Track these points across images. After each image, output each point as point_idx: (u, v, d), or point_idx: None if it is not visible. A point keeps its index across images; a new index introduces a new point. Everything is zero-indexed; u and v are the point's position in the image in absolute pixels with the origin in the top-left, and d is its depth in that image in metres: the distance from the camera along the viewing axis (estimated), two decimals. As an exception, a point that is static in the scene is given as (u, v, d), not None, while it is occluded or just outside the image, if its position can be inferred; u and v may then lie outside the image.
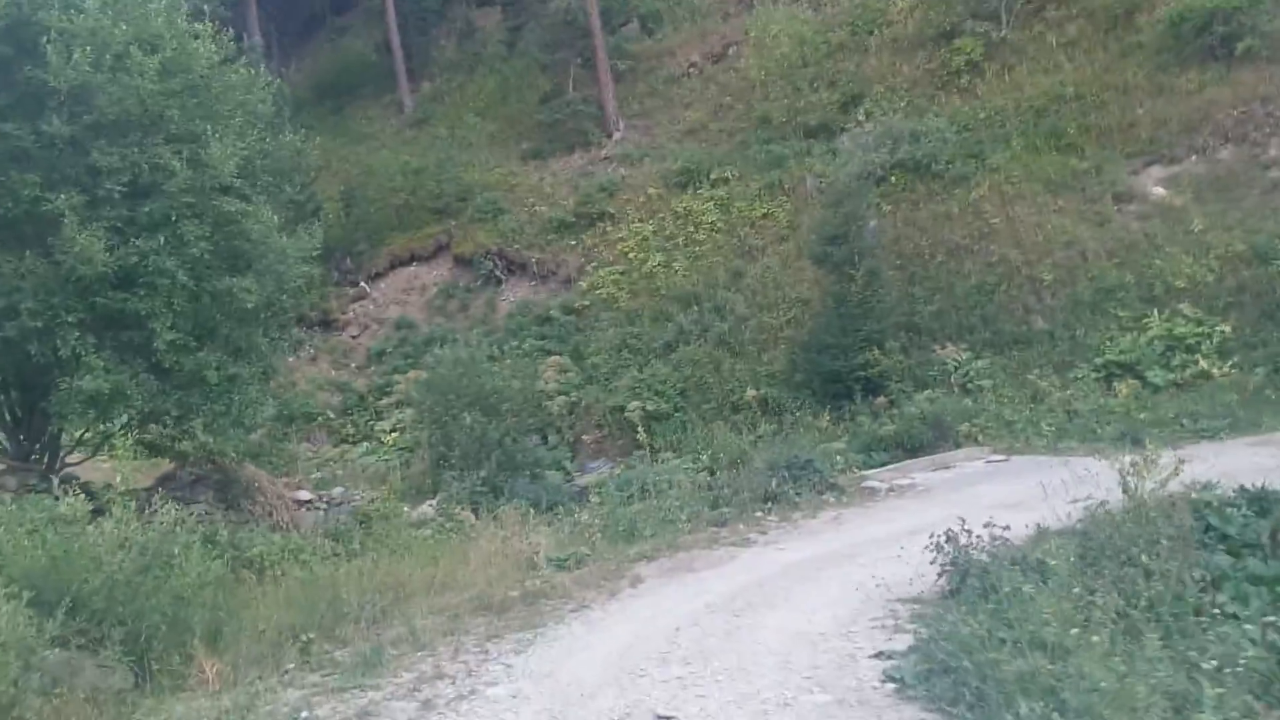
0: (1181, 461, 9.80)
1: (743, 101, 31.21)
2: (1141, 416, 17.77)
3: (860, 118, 25.65)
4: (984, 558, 8.93)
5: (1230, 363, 18.88)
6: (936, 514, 13.54)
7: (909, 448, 18.72)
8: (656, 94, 34.26)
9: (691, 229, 27.33)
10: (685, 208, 27.89)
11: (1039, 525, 10.31)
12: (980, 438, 18.07)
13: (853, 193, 22.43)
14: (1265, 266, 19.81)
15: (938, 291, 22.75)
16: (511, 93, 37.29)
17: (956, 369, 20.89)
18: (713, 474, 17.79)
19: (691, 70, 34.49)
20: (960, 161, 24.46)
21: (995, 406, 18.99)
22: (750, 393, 22.82)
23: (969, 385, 20.54)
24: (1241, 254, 20.24)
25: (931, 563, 9.18)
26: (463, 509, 16.15)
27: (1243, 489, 9.71)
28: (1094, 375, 19.75)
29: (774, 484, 14.99)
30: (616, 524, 14.37)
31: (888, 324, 22.07)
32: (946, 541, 9.08)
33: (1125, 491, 10.53)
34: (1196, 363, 19.01)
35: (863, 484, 15.68)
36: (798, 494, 14.85)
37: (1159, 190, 22.44)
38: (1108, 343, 20.16)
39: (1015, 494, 14.25)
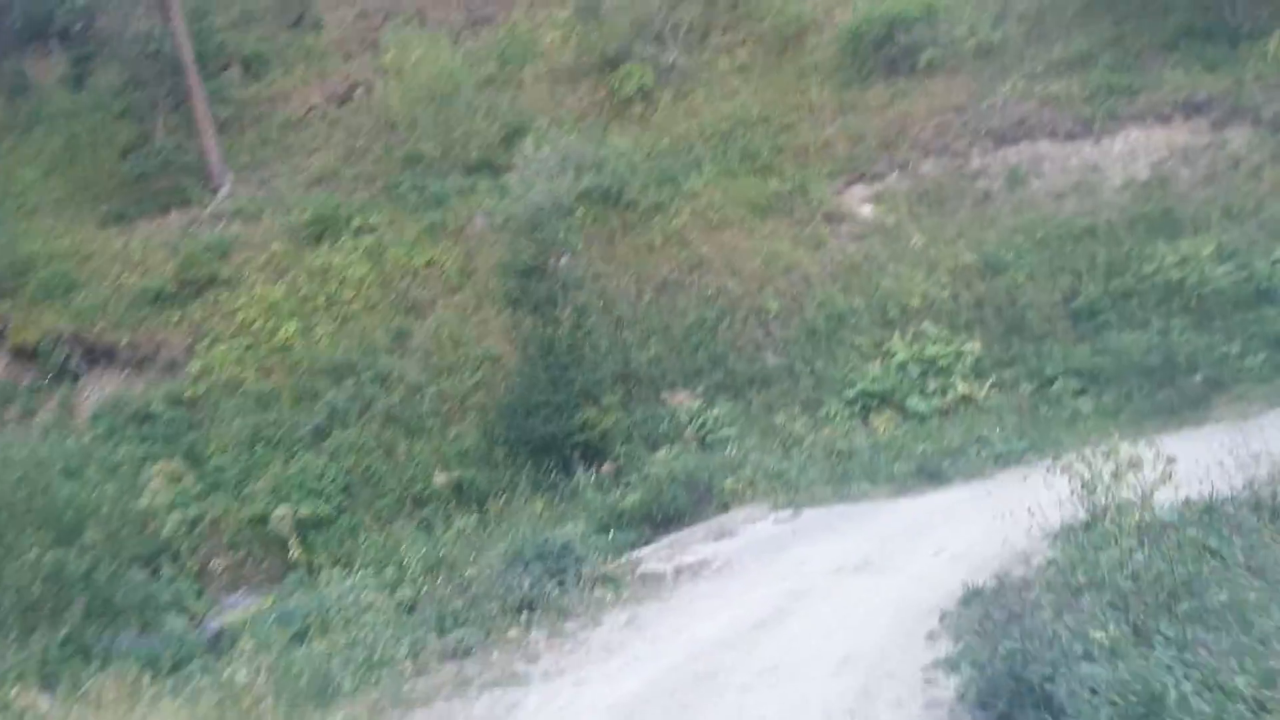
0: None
1: (381, 141, 26.92)
2: (921, 449, 15.34)
3: (528, 150, 22.34)
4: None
5: (989, 383, 17.12)
6: (764, 596, 9.90)
7: (662, 519, 15.08)
8: (271, 142, 29.09)
9: (335, 287, 22.45)
10: (324, 263, 22.97)
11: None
12: (750, 494, 14.78)
13: (546, 219, 18.87)
14: (998, 278, 18.49)
15: (653, 334, 19.61)
16: (83, 148, 30.39)
17: (691, 420, 17.65)
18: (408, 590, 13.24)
19: (312, 114, 29.73)
20: (654, 188, 21.73)
21: (757, 457, 15.85)
22: (439, 478, 18.27)
23: (709, 437, 17.34)
24: (972, 267, 18.86)
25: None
26: (24, 691, 10.21)
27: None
28: (847, 410, 17.28)
29: (526, 585, 10.65)
30: (295, 678, 9.44)
31: (603, 374, 18.53)
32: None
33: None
34: (954, 386, 17.08)
35: (638, 570, 11.74)
36: (562, 594, 10.64)
37: (868, 209, 20.90)
38: (853, 373, 17.85)
39: (844, 553, 10.95)
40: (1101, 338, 17.04)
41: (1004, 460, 14.40)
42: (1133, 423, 15.34)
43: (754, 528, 13.25)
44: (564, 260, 19.48)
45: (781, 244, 20.15)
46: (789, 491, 14.57)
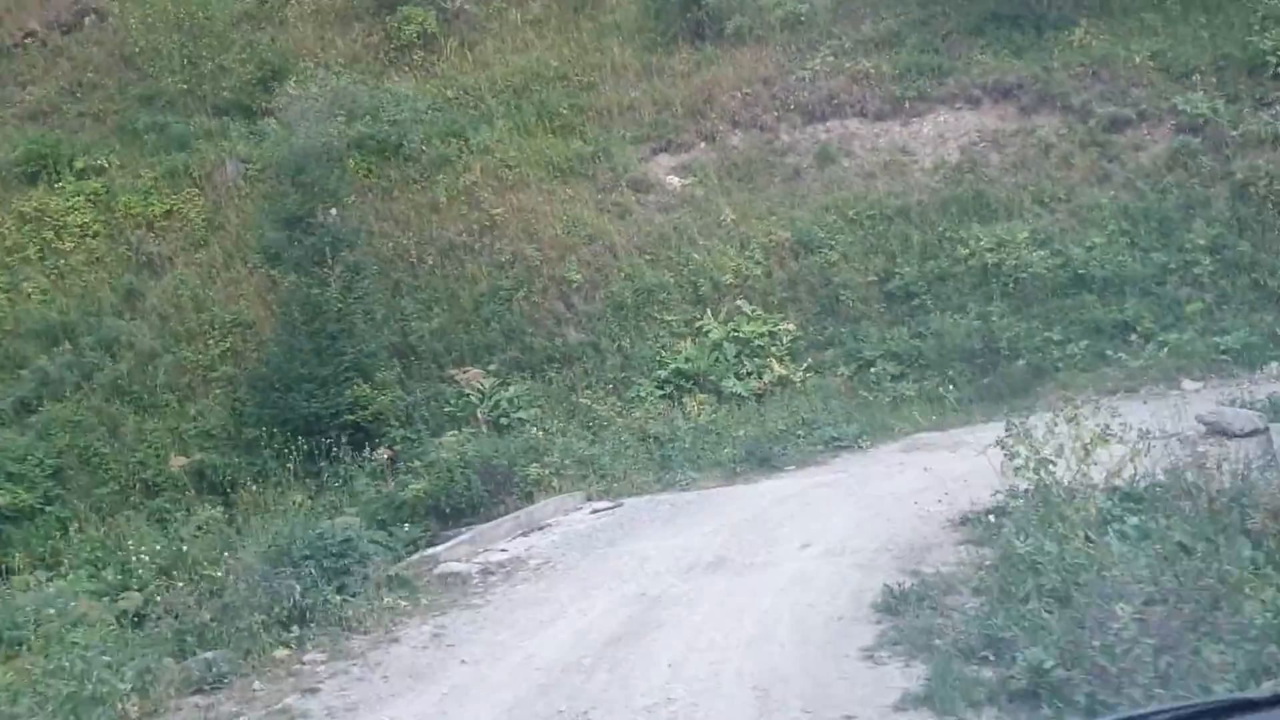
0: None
1: (114, 76, 23.23)
2: (741, 433, 14.03)
3: (290, 91, 19.63)
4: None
5: (805, 365, 16.07)
6: (609, 603, 8.13)
7: (453, 511, 13.10)
8: (-28, 70, 24.70)
9: (51, 236, 18.88)
10: (38, 207, 19.30)
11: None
12: (558, 483, 12.97)
13: (312, 167, 16.34)
14: (812, 256, 17.52)
15: (436, 303, 17.41)
16: None
17: (484, 400, 15.65)
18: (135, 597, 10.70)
19: (29, 41, 25.47)
20: (439, 141, 19.51)
21: (562, 441, 14.05)
22: (176, 462, 15.37)
23: (504, 420, 15.41)
24: (785, 244, 17.80)
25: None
26: None
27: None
28: (659, 392, 15.78)
29: (297, 591, 8.41)
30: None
31: (378, 346, 16.19)
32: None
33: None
34: (770, 367, 15.91)
35: (436, 569, 9.69)
36: (345, 602, 8.49)
37: (674, 179, 19.53)
38: (664, 352, 16.38)
39: (689, 549, 9.36)
40: (919, 320, 16.34)
41: (836, 445, 13.29)
42: (958, 408, 14.71)
43: (569, 520, 11.47)
44: (333, 214, 17.01)
45: (584, 210, 18.44)
46: (604, 479, 12.90)
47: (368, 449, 14.96)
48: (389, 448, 15.04)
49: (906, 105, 19.69)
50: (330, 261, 15.97)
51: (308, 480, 14.95)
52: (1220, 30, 18.55)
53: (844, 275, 17.22)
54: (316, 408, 15.25)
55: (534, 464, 13.37)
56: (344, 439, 15.06)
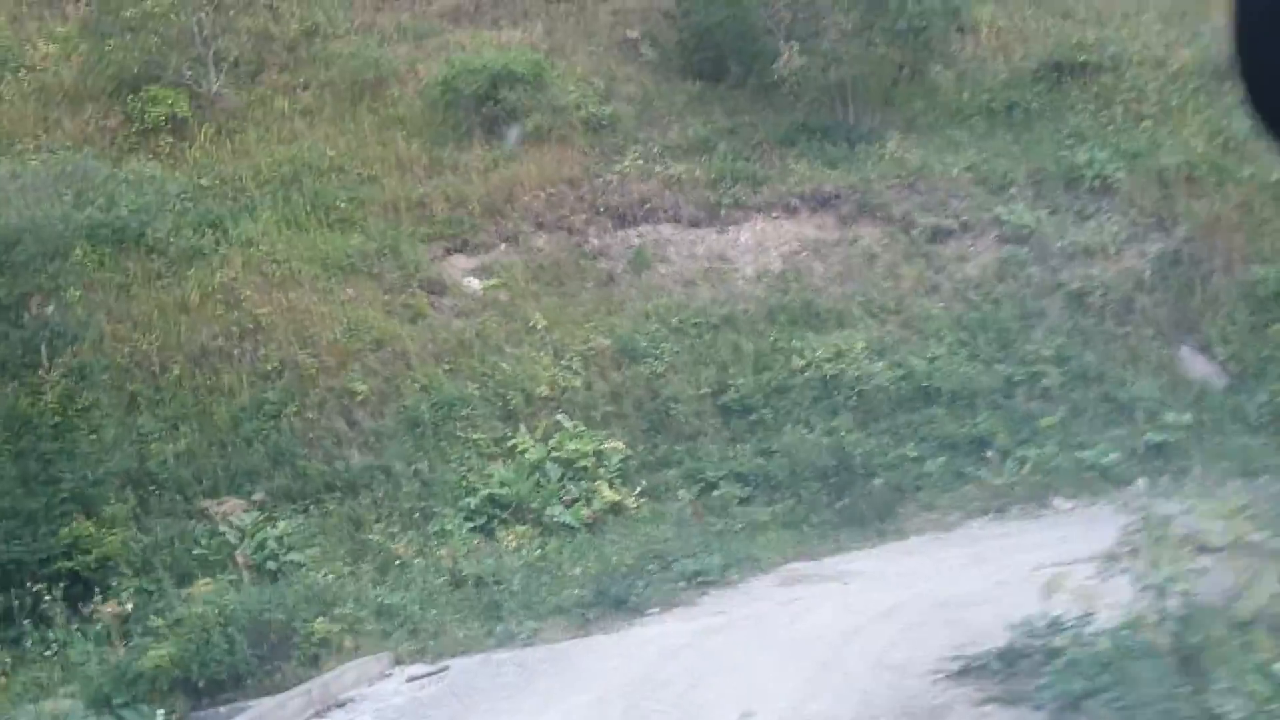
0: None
1: None
2: (579, 570, 11.69)
3: (6, 168, 16.19)
4: None
5: (639, 488, 13.98)
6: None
7: (208, 683, 9.97)
8: None
9: None
10: None
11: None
12: (354, 642, 10.10)
13: (28, 254, 13.08)
14: (637, 366, 15.66)
15: (184, 419, 14.19)
16: None
17: (245, 538, 12.56)
18: None
19: None
20: (191, 232, 16.51)
21: (354, 587, 11.20)
22: None
23: (271, 563, 12.37)
24: (606, 353, 15.88)
25: None
26: None
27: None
28: (468, 524, 13.20)
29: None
30: None
31: (106, 472, 12.83)
32: None
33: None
34: (600, 492, 13.71)
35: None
36: None
37: (474, 281, 17.32)
38: (472, 476, 13.86)
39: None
40: (762, 437, 14.67)
41: (701, 581, 11.15)
42: (820, 534, 12.99)
43: (379, 691, 8.72)
44: (50, 309, 13.67)
45: (369, 312, 15.85)
46: (415, 635, 10.19)
47: (90, 604, 11.52)
48: (119, 602, 11.64)
49: (722, 212, 18.49)
50: (47, 365, 12.62)
51: (4, 648, 11.31)
52: (1030, 146, 18.55)
53: (673, 387, 15.42)
54: (19, 551, 11.69)
55: (320, 618, 10.44)
56: (57, 592, 11.54)
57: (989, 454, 14.08)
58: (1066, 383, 14.91)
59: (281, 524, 12.82)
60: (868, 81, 20.18)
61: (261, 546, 12.52)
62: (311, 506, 13.39)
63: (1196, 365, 14.99)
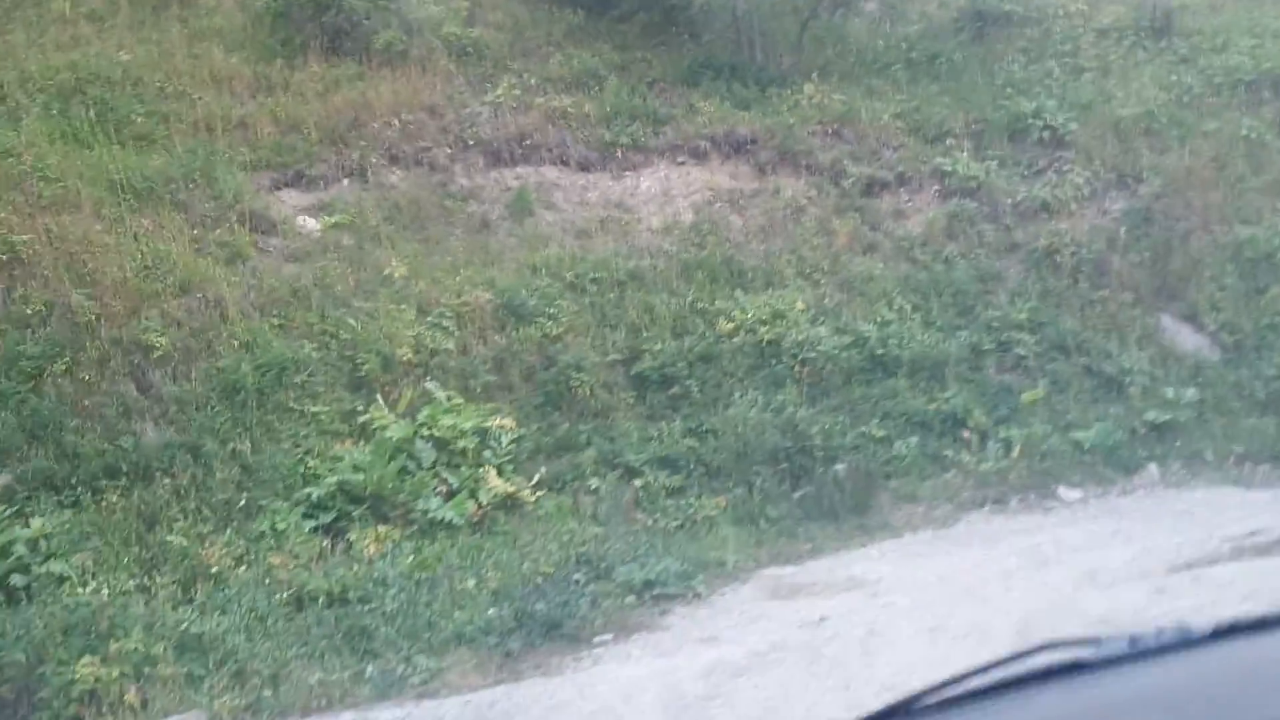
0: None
1: None
2: (472, 583, 8.45)
3: None
4: None
5: (536, 476, 10.79)
6: None
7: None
8: None
9: None
10: None
11: None
12: (139, 693, 6.57)
13: None
14: (526, 327, 12.48)
15: (-103, 378, 10.13)
16: None
17: (-18, 543, 8.70)
18: None
19: None
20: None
21: (145, 610, 7.62)
22: None
23: (16, 578, 8.58)
24: (487, 310, 12.64)
25: None
26: None
27: None
28: (308, 522, 9.71)
29: None
30: None
31: None
32: None
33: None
34: (487, 480, 10.46)
35: None
36: None
37: (310, 220, 13.75)
38: (313, 459, 10.37)
39: None
40: (690, 413, 11.74)
41: (660, 596, 8.12)
42: (784, 531, 10.13)
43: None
44: None
45: (172, 248, 12.07)
46: (241, 682, 6.70)
47: None
48: None
49: (619, 154, 15.53)
50: None
51: None
52: (963, 95, 16.37)
53: (573, 352, 12.30)
54: None
55: (88, 656, 6.83)
56: None
57: (965, 434, 11.60)
58: (1043, 353, 12.62)
59: (37, 521, 9.01)
60: (778, 22, 17.78)
61: (4, 553, 8.71)
62: (84, 497, 9.57)
63: (1182, 335, 12.97)
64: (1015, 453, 11.21)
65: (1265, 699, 1.54)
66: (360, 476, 10.05)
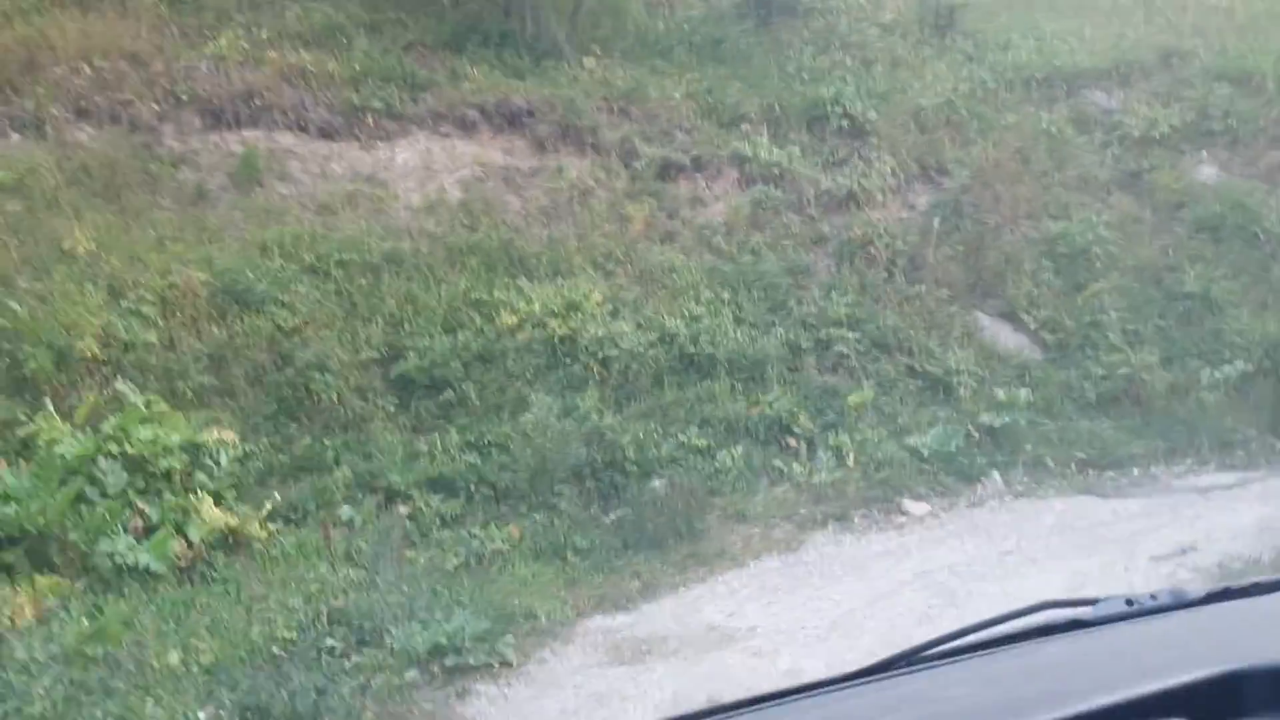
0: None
1: None
2: (177, 658, 5.97)
3: None
4: None
5: (268, 505, 8.26)
6: None
7: None
8: None
9: None
10: None
11: None
12: None
13: None
14: (253, 317, 9.92)
15: None
16: None
17: None
18: None
19: None
20: None
21: None
22: None
23: None
24: (199, 294, 9.96)
25: None
26: None
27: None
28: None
29: None
30: None
31: None
32: None
33: None
34: (199, 511, 7.84)
35: None
36: None
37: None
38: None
39: None
40: (466, 424, 9.52)
41: (454, 669, 5.89)
42: (600, 566, 8.09)
43: None
44: None
45: None
46: None
47: None
48: None
49: (370, 121, 13.12)
50: None
51: None
52: (755, 80, 15.06)
53: (316, 349, 9.83)
54: None
55: None
56: None
57: (792, 442, 10.00)
58: (865, 351, 11.24)
59: None
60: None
61: None
62: None
63: (1003, 334, 11.98)
64: (850, 462, 9.71)
65: (1258, 647, 1.51)
66: (13, 509, 7.20)
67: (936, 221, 12.68)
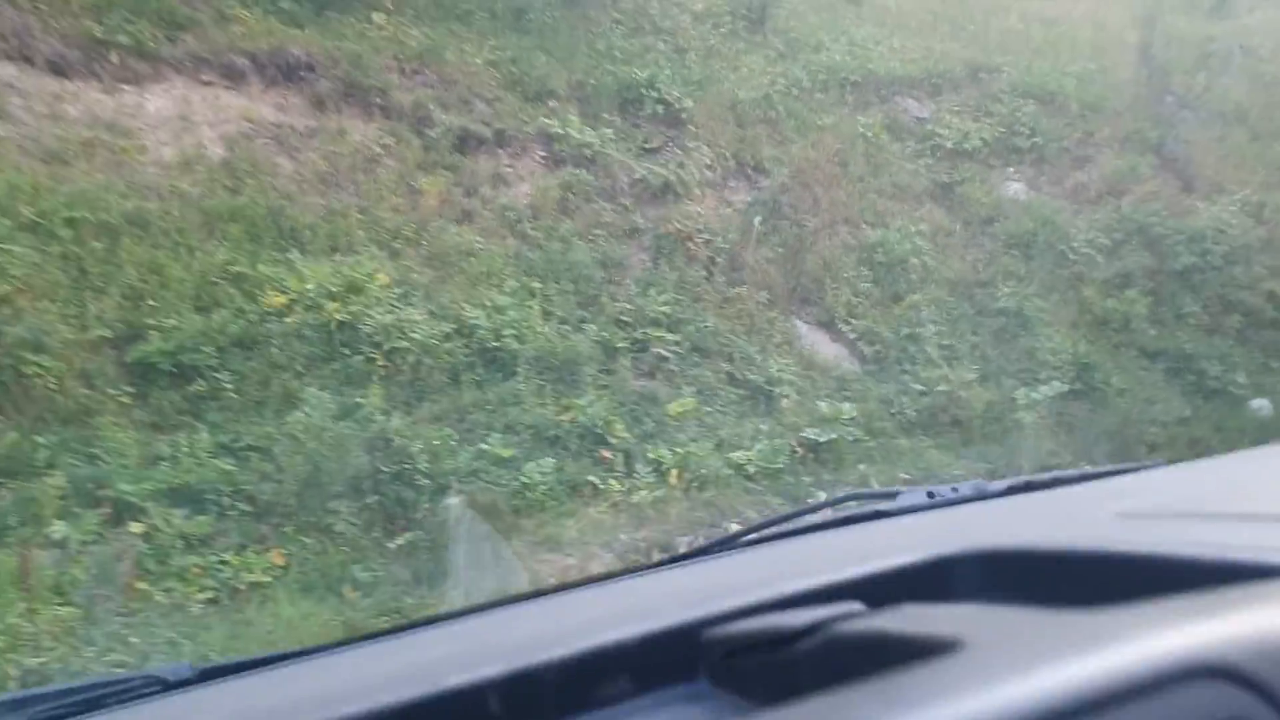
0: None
1: None
2: None
3: None
4: None
5: (-50, 522, 6.40)
6: None
7: None
8: None
9: None
10: None
11: None
12: None
13: None
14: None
15: None
16: None
17: None
18: None
19: None
20: None
21: None
22: None
23: None
24: None
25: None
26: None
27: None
28: None
29: None
30: None
31: None
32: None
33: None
34: None
35: None
36: None
37: None
38: None
39: None
40: (221, 422, 7.86)
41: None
42: (385, 606, 6.68)
43: None
44: None
45: None
46: None
47: None
48: None
49: (115, 60, 11.11)
50: None
51: None
52: (563, 55, 13.90)
53: (31, 323, 7.91)
54: None
55: None
56: None
57: (606, 454, 8.89)
58: (685, 355, 10.27)
59: None
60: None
61: None
62: None
63: (821, 343, 11.30)
64: (672, 479, 8.69)
65: (1010, 534, 1.42)
66: None
67: (756, 221, 11.91)
